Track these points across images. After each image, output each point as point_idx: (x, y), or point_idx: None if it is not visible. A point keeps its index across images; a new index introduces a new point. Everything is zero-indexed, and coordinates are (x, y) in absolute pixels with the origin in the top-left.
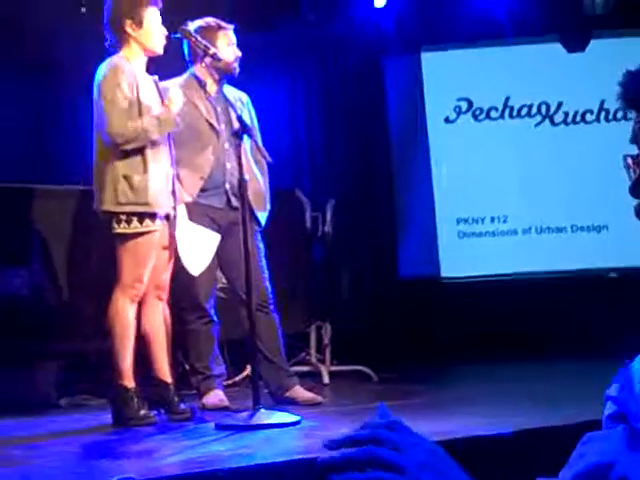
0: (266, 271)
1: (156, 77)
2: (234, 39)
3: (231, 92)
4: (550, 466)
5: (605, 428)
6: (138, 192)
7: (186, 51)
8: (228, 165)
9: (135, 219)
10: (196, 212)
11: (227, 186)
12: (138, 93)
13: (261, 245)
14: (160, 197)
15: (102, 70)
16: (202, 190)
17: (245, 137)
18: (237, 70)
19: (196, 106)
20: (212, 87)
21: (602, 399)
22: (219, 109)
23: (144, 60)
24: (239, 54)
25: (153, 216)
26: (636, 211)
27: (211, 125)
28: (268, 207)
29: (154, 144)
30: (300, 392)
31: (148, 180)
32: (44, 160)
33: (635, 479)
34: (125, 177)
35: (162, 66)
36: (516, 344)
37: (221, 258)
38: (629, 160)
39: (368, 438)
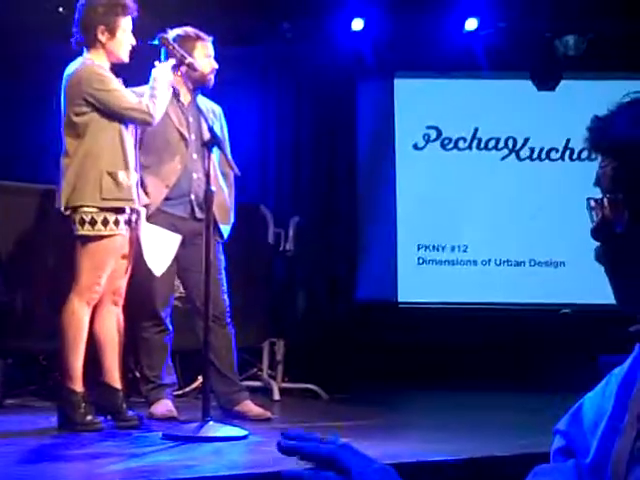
0: (225, 284)
1: (120, 80)
2: (212, 51)
3: (204, 103)
4: None
5: (553, 461)
6: (123, 188)
7: (163, 59)
8: (195, 175)
9: (99, 221)
10: (160, 220)
11: (192, 196)
12: None
13: (222, 257)
14: (137, 195)
15: (74, 67)
16: (167, 199)
17: (214, 149)
18: (212, 82)
19: (168, 114)
20: (186, 97)
21: (550, 432)
22: (191, 119)
23: (107, 65)
24: (216, 66)
25: (116, 220)
26: (596, 254)
27: (181, 134)
28: (232, 220)
29: (130, 144)
30: (250, 407)
31: (130, 177)
32: (4, 157)
33: None
34: (110, 174)
35: (137, 72)
36: (468, 372)
37: (180, 267)
38: (592, 203)
39: (326, 455)
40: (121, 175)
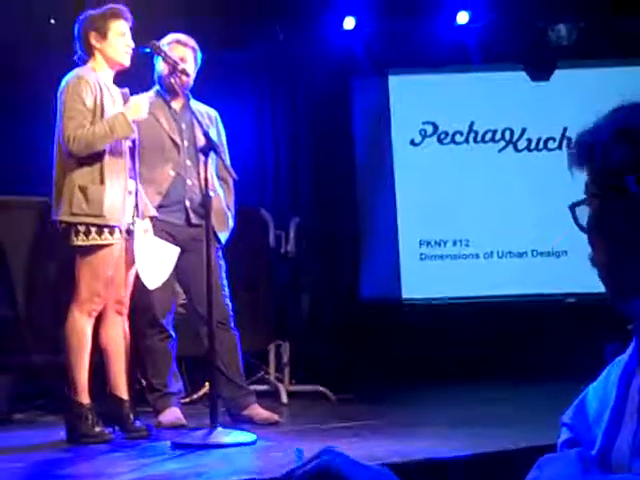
0: (226, 288)
1: (126, 90)
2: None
3: (199, 108)
4: None
5: None
6: (92, 203)
7: (156, 66)
8: (189, 182)
9: (94, 231)
10: (154, 228)
11: (187, 203)
12: (102, 103)
13: (222, 262)
14: (116, 210)
15: (66, 79)
16: (161, 206)
17: (211, 154)
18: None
19: (159, 121)
20: (177, 103)
21: (558, 424)
22: (183, 125)
23: (111, 73)
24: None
25: (112, 229)
26: (591, 260)
27: (173, 141)
28: (230, 225)
29: (113, 156)
30: (257, 411)
31: (104, 192)
32: (2, 171)
33: None
34: (80, 188)
35: (136, 80)
36: (475, 366)
37: (180, 274)
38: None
39: (319, 470)
40: (92, 189)
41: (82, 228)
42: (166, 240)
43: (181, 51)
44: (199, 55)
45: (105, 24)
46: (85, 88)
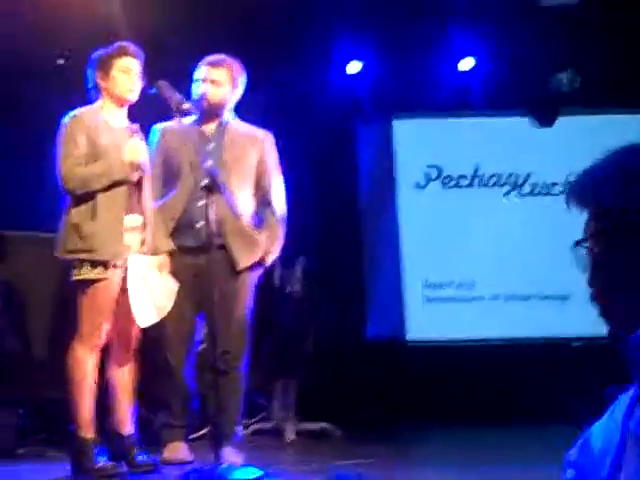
0: (244, 322)
1: (135, 126)
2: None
3: (244, 129)
4: None
5: None
6: (85, 240)
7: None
8: (200, 203)
9: (87, 266)
10: (172, 256)
11: (201, 223)
12: (98, 142)
13: (248, 291)
14: (108, 245)
15: (63, 120)
16: (177, 231)
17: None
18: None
19: (185, 145)
20: (210, 125)
21: (561, 463)
22: (212, 144)
23: (119, 110)
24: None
25: (105, 264)
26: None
27: (191, 164)
28: (258, 254)
29: (107, 192)
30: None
31: (95, 227)
32: (7, 206)
33: None
34: (74, 226)
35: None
36: (480, 409)
37: (201, 300)
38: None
39: None
40: (84, 226)
41: (77, 263)
42: (182, 266)
43: (214, 73)
44: (241, 76)
45: (109, 62)
46: (79, 128)
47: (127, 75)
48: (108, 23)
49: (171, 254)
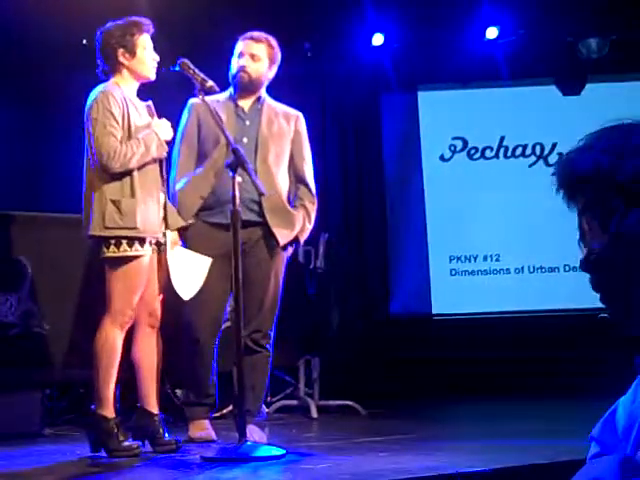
0: (275, 302)
1: (150, 102)
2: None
3: (277, 108)
4: None
5: None
6: (126, 216)
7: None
8: (239, 178)
9: (124, 242)
10: (200, 230)
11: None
12: (129, 119)
13: (280, 269)
14: (148, 222)
15: (92, 96)
16: (208, 208)
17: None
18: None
19: (220, 121)
20: (246, 101)
21: (587, 438)
22: (248, 122)
23: (136, 85)
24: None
25: (142, 240)
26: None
27: (228, 140)
28: (295, 229)
29: (142, 169)
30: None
31: (136, 204)
32: (34, 188)
33: None
34: (113, 201)
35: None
36: (506, 381)
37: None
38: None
39: None
40: (125, 203)
41: (113, 240)
42: (214, 244)
43: (254, 47)
44: (278, 53)
45: (133, 40)
46: (113, 103)
47: (148, 52)
48: (132, 4)
49: (203, 231)
